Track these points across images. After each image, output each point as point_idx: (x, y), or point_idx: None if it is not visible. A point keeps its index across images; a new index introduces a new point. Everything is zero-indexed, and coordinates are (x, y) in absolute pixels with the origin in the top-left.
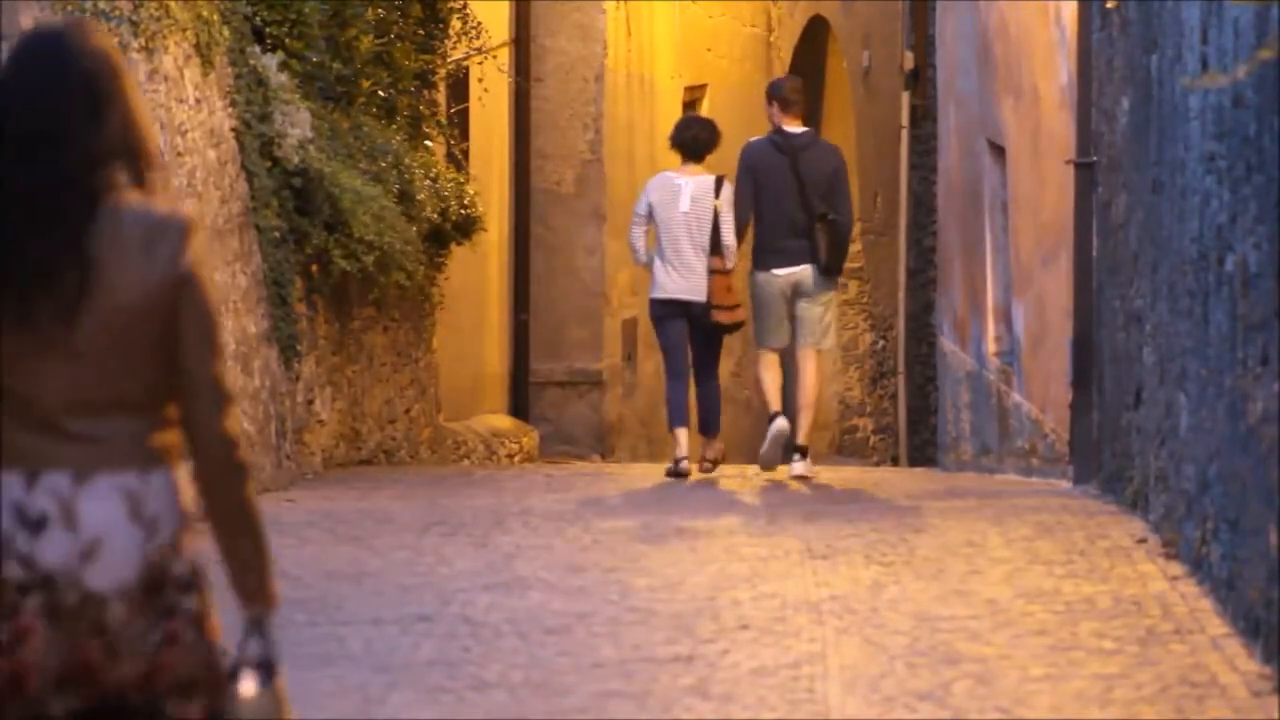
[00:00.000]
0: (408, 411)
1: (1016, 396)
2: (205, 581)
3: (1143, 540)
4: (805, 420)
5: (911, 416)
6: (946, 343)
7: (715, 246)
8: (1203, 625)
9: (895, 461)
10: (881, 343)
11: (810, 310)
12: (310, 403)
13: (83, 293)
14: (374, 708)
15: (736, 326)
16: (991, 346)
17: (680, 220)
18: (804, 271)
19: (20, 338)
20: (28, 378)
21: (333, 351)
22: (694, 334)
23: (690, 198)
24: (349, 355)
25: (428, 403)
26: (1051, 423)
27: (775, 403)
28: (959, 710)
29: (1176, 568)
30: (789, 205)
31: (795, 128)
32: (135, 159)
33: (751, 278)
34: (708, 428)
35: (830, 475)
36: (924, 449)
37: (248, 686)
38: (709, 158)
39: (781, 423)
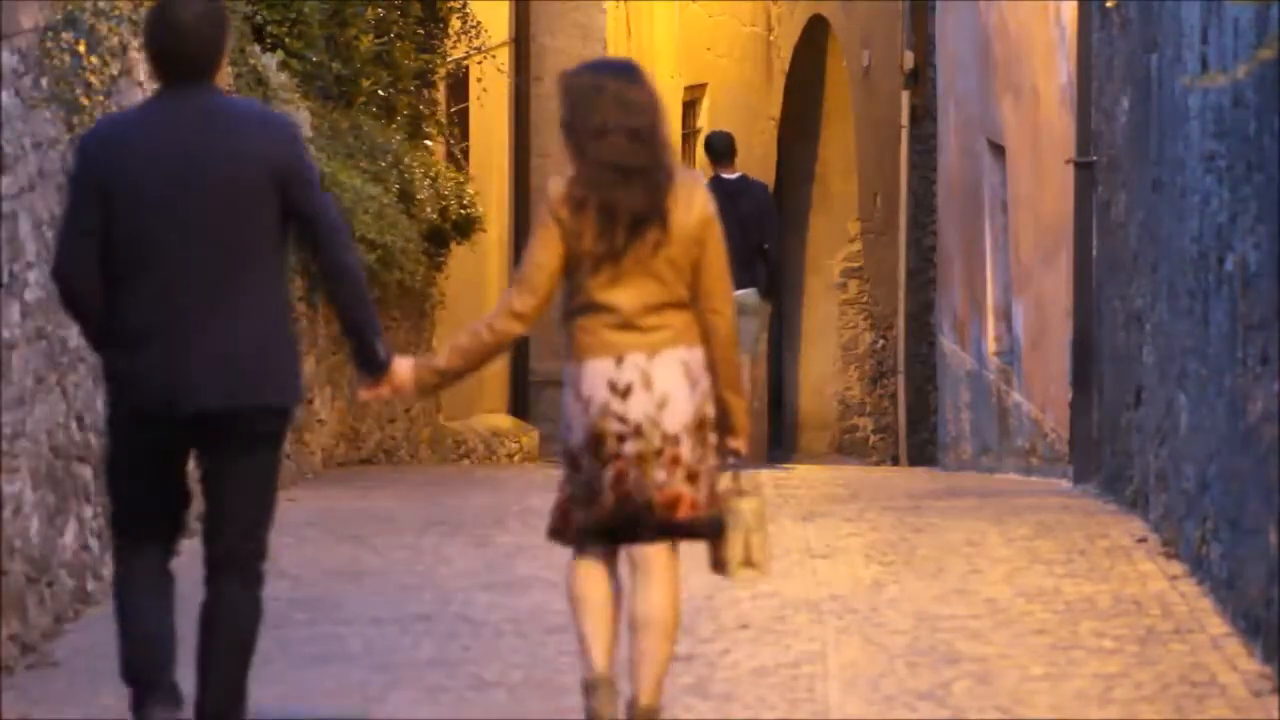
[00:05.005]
0: (407, 411)
1: (1016, 396)
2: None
3: (1143, 540)
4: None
5: (911, 416)
6: (946, 342)
7: None
8: (1203, 625)
9: (895, 461)
10: (881, 342)
11: (747, 324)
12: (310, 402)
13: (662, 233)
14: (374, 707)
15: None
16: (991, 346)
17: None
18: (744, 295)
19: (612, 266)
20: (615, 293)
21: (333, 350)
22: None
23: None
24: (349, 354)
25: (428, 402)
26: (1051, 422)
27: None
28: (959, 710)
29: (1176, 567)
30: (730, 239)
31: (730, 174)
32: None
33: None
34: None
35: (830, 475)
36: (924, 448)
37: (745, 500)
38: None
39: None
